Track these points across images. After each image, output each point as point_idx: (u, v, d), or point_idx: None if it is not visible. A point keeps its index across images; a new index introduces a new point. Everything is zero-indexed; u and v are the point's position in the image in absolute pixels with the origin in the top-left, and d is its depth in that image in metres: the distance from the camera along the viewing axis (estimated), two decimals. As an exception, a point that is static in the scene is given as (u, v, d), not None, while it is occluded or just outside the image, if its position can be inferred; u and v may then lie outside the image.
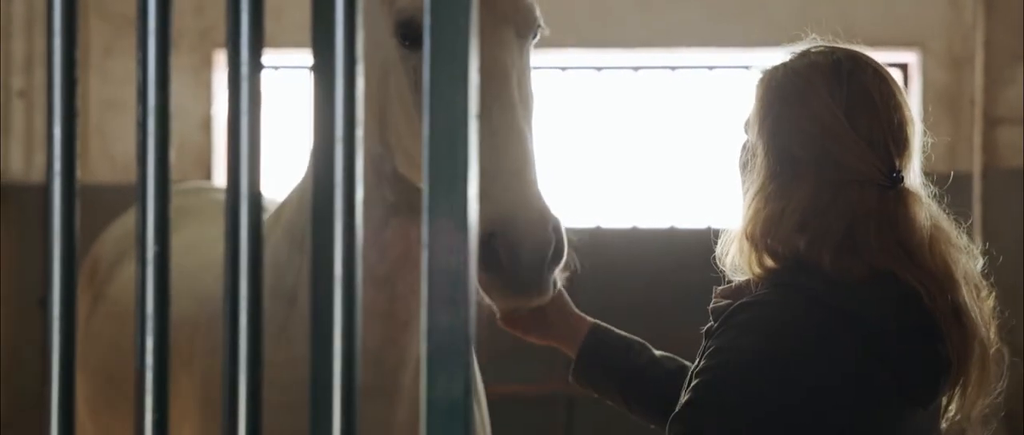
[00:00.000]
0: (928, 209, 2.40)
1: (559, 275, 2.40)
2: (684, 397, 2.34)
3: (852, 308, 2.30)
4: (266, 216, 2.81)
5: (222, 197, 2.14)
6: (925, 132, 2.48)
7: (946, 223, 2.42)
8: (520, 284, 2.33)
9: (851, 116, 2.37)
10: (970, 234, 2.47)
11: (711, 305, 2.44)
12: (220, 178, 7.54)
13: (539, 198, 2.35)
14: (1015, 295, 6.03)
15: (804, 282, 2.33)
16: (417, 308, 2.61)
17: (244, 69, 1.33)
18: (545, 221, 2.33)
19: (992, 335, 2.39)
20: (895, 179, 2.36)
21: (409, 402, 2.70)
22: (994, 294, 2.44)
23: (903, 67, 7.73)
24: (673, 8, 7.67)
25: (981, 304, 2.39)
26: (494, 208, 2.30)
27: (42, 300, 1.41)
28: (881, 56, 2.71)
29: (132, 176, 1.56)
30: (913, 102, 4.96)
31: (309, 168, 2.67)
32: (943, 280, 2.34)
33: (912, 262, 2.33)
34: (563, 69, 7.82)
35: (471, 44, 1.22)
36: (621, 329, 2.80)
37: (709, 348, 2.35)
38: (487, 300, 2.39)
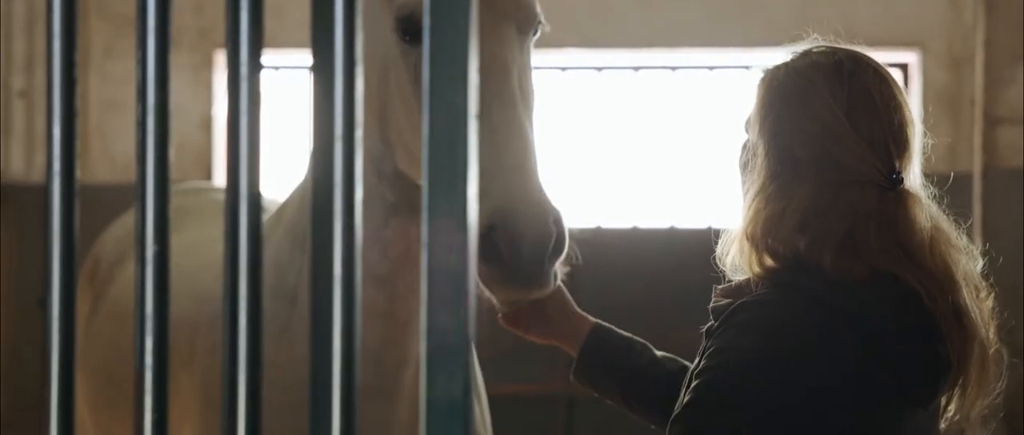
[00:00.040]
0: (928, 210, 2.40)
1: (560, 268, 2.38)
2: (684, 397, 2.34)
3: (852, 308, 2.30)
4: (266, 216, 2.81)
5: (222, 197, 2.14)
6: (925, 133, 2.48)
7: (946, 224, 2.42)
8: (521, 277, 2.31)
9: (852, 116, 2.37)
10: (970, 234, 2.47)
11: (711, 304, 2.44)
12: (220, 178, 7.54)
13: (540, 191, 2.33)
14: (1015, 295, 6.03)
15: (804, 282, 2.33)
16: (417, 307, 2.60)
17: (244, 69, 1.33)
18: (546, 214, 2.31)
19: (992, 336, 2.39)
20: (895, 180, 2.36)
21: (409, 402, 2.70)
22: (994, 294, 2.44)
23: (903, 67, 7.73)
24: (673, 8, 7.67)
25: (981, 305, 2.39)
26: (495, 201, 2.28)
27: (42, 300, 1.41)
28: (881, 56, 2.71)
29: (132, 176, 1.56)
30: (913, 102, 4.97)
31: (309, 168, 2.67)
32: (943, 281, 2.34)
33: (912, 263, 2.33)
34: (563, 69, 7.82)
35: (471, 44, 1.22)
36: (622, 329, 2.79)
37: (709, 348, 2.35)
38: (487, 294, 2.38)
